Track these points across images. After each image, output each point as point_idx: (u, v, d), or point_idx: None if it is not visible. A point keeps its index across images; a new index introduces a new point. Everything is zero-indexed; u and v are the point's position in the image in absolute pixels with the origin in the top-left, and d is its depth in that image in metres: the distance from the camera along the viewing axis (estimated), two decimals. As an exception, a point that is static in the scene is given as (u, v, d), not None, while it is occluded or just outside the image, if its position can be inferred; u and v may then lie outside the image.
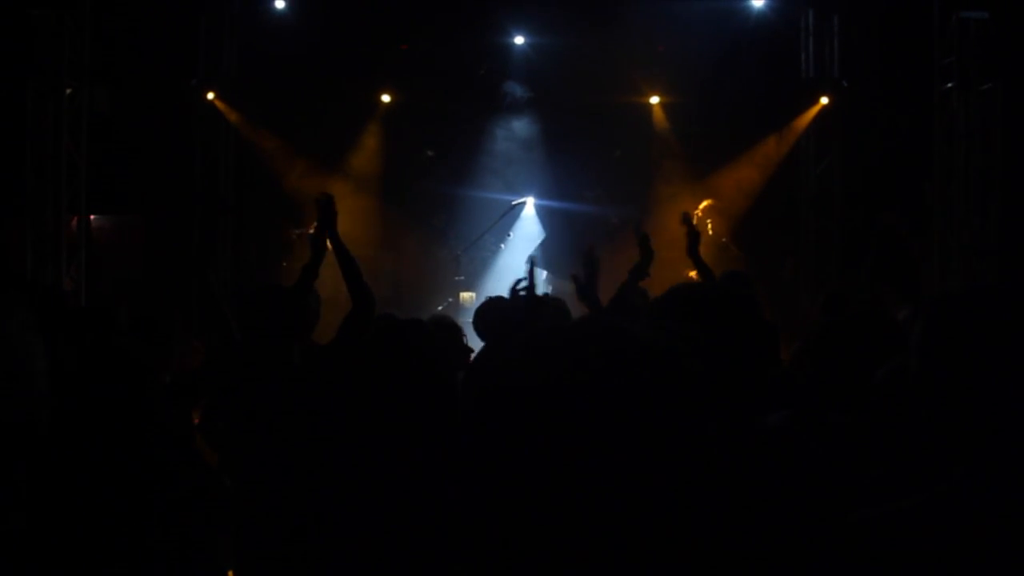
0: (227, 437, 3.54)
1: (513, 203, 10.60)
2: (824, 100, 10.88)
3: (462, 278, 10.17)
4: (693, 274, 8.24)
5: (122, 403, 2.88)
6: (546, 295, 5.00)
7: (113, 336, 4.18)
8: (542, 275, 7.84)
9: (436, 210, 11.19)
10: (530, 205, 10.90)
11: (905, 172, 10.17)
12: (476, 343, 4.56)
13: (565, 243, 10.72)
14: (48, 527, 2.46)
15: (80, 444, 2.83)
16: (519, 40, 11.04)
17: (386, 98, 11.17)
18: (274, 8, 10.77)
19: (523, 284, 3.85)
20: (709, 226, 9.66)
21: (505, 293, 4.88)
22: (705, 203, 8.54)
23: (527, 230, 11.01)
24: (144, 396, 2.95)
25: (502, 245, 10.74)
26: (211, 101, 10.95)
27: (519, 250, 10.81)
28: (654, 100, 11.24)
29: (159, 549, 2.77)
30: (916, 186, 9.85)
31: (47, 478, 2.51)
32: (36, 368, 1.50)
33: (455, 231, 10.90)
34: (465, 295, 9.95)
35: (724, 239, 9.63)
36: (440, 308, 9.58)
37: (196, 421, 4.37)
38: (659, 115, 11.28)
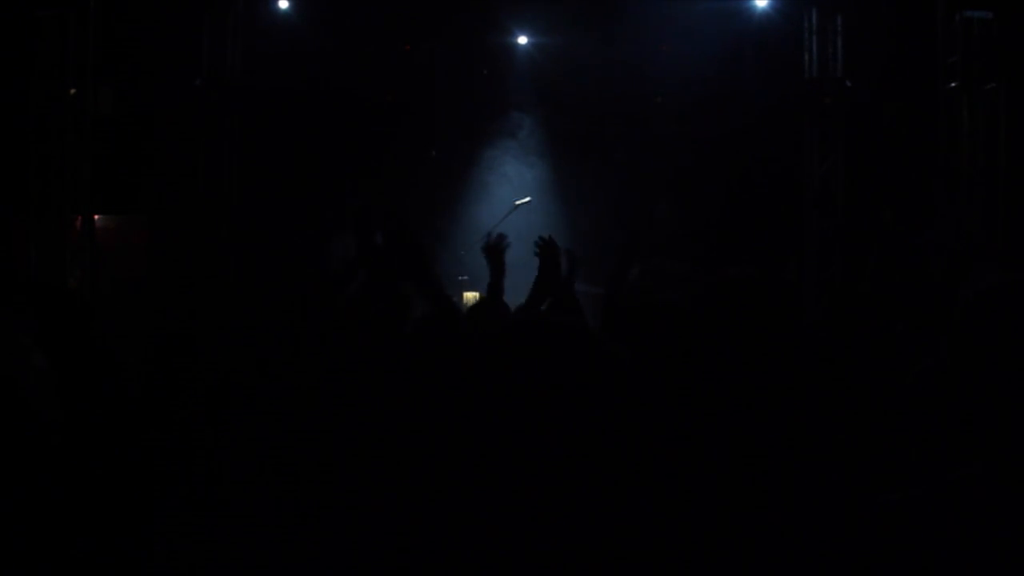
0: (240, 432, 3.51)
1: (516, 203, 10.59)
2: (827, 100, 10.85)
3: (466, 278, 10.14)
4: None
5: (125, 402, 2.89)
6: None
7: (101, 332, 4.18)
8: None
9: (439, 210, 11.19)
10: (533, 205, 10.89)
11: (908, 172, 10.15)
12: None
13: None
14: (52, 528, 2.47)
15: (82, 443, 2.84)
16: (522, 40, 11.06)
17: (389, 98, 11.23)
18: (278, 8, 10.79)
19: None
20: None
21: (508, 294, 4.89)
22: None
23: (530, 230, 10.98)
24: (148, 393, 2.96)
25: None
26: (215, 101, 10.96)
27: (522, 250, 10.76)
28: (656, 100, 11.24)
29: (161, 548, 2.78)
30: (919, 186, 9.84)
31: (53, 479, 2.52)
32: (38, 378, 1.51)
33: (458, 231, 10.90)
34: (469, 295, 9.93)
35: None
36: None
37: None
38: (661, 115, 11.27)
